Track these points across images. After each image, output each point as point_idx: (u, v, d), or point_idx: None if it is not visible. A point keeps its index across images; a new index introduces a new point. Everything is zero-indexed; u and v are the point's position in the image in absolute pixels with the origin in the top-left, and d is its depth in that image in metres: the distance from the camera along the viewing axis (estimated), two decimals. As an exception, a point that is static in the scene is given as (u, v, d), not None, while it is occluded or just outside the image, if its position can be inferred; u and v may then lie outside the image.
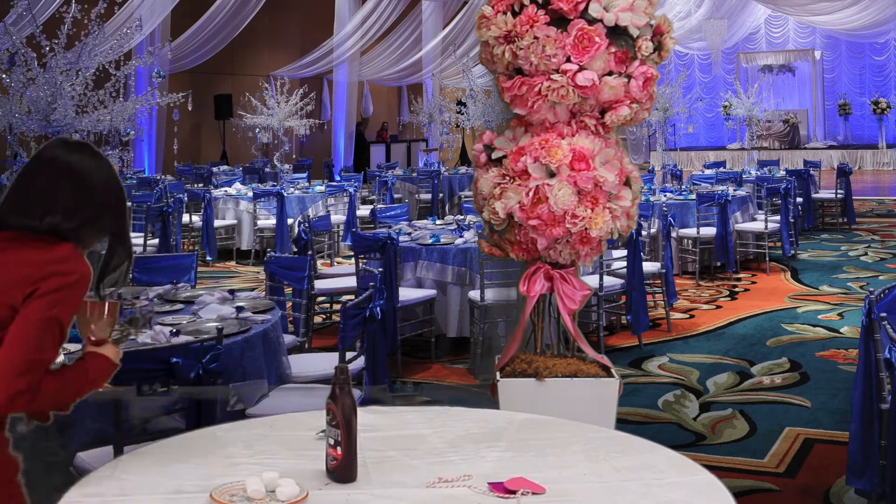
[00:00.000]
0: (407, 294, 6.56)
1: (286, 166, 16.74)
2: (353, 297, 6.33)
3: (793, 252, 10.49)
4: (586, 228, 3.51)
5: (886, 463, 3.63)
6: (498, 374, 3.72)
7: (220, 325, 3.95)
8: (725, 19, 22.72)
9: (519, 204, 3.51)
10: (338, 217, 11.58)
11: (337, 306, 7.68)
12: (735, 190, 10.66)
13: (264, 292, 5.90)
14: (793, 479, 4.46)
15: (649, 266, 7.37)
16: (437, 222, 8.19)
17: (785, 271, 9.85)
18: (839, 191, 13.18)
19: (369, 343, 4.55)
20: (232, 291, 4.82)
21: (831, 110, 25.41)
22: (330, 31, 21.08)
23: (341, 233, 11.58)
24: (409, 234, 7.29)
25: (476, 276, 6.45)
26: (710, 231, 9.47)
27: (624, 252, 6.88)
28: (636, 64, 3.54)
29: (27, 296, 2.13)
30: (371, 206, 11.30)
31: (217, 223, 11.44)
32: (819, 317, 7.74)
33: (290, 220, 11.01)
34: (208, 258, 10.95)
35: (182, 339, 3.85)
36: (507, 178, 3.59)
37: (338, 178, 17.34)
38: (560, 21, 3.48)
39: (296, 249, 7.90)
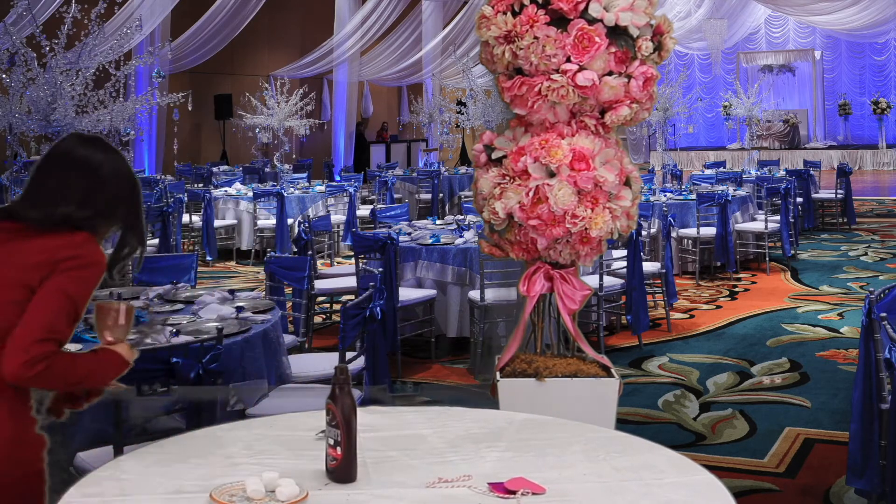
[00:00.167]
0: (407, 294, 6.56)
1: (286, 166, 16.74)
2: (353, 297, 6.33)
3: (793, 252, 10.49)
4: (586, 228, 3.51)
5: (886, 463, 3.63)
6: (498, 374, 3.71)
7: (220, 325, 3.95)
8: (725, 19, 22.72)
9: (519, 204, 3.51)
10: (338, 217, 11.57)
11: (337, 306, 7.68)
12: (735, 190, 10.66)
13: (264, 292, 5.90)
14: (793, 479, 4.46)
15: (649, 266, 7.37)
16: (437, 222, 8.19)
17: (785, 271, 9.85)
18: (839, 191, 13.18)
19: (369, 343, 4.55)
20: (232, 291, 4.81)
21: (831, 110, 25.41)
22: (330, 31, 21.08)
23: (341, 233, 11.58)
24: (409, 234, 7.29)
25: (476, 276, 6.44)
26: (710, 231, 9.47)
27: (624, 252, 6.88)
28: (636, 64, 3.54)
29: (45, 277, 2.25)
30: (371, 206, 11.30)
31: (217, 223, 11.44)
32: (819, 317, 7.74)
33: (290, 220, 11.00)
34: (208, 258, 10.95)
35: (182, 339, 3.85)
36: (507, 178, 3.59)
37: (338, 178, 17.34)
38: (560, 21, 3.48)
39: (296, 249, 7.90)
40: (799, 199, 12.03)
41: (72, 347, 3.29)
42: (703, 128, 26.03)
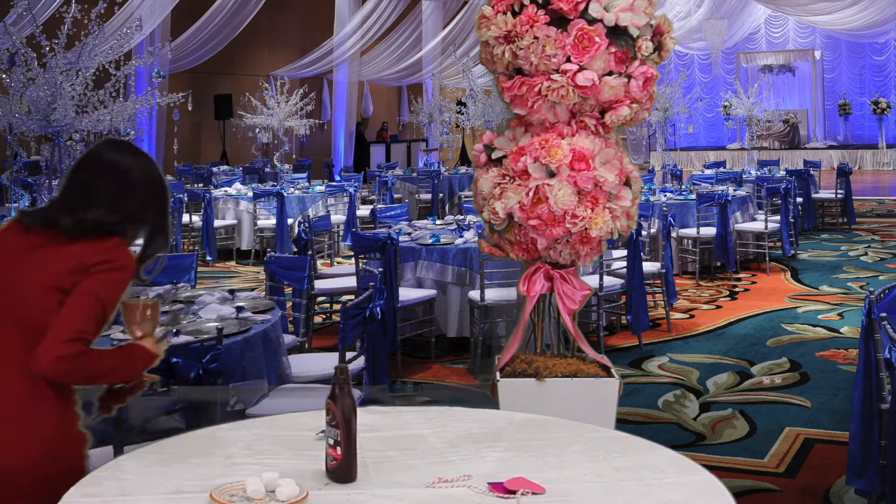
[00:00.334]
0: (407, 294, 6.56)
1: (286, 166, 16.73)
2: (353, 297, 6.33)
3: (793, 252, 10.49)
4: (586, 228, 3.51)
5: (886, 463, 3.63)
6: (498, 374, 3.71)
7: (220, 325, 3.96)
8: (725, 19, 22.72)
9: (519, 204, 3.51)
10: (338, 217, 11.57)
11: (337, 306, 7.68)
12: (735, 190, 10.66)
13: (264, 292, 5.90)
14: (793, 479, 4.46)
15: (649, 266, 7.37)
16: (437, 222, 8.19)
17: (785, 271, 9.85)
18: (839, 191, 13.18)
19: (369, 343, 4.55)
20: (232, 291, 4.82)
21: (831, 110, 25.41)
22: (330, 31, 21.08)
23: (341, 233, 11.58)
24: (409, 234, 7.29)
25: (476, 276, 6.45)
26: (710, 231, 9.47)
27: (624, 252, 6.88)
28: (636, 64, 3.54)
29: (77, 281, 2.37)
30: (371, 206, 11.30)
31: (217, 223, 11.44)
32: (819, 317, 7.74)
33: (290, 220, 11.00)
34: (208, 258, 10.95)
35: (182, 339, 3.85)
36: (507, 178, 3.59)
37: (338, 178, 17.34)
38: (560, 21, 3.48)
39: (296, 249, 7.90)
40: (799, 199, 12.03)
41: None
42: (703, 128, 26.02)
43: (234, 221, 11.65)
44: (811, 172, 13.47)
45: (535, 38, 3.47)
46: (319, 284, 6.97)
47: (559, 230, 3.51)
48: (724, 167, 16.66)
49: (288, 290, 6.04)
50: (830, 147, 24.23)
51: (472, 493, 2.15)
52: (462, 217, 8.42)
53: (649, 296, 7.60)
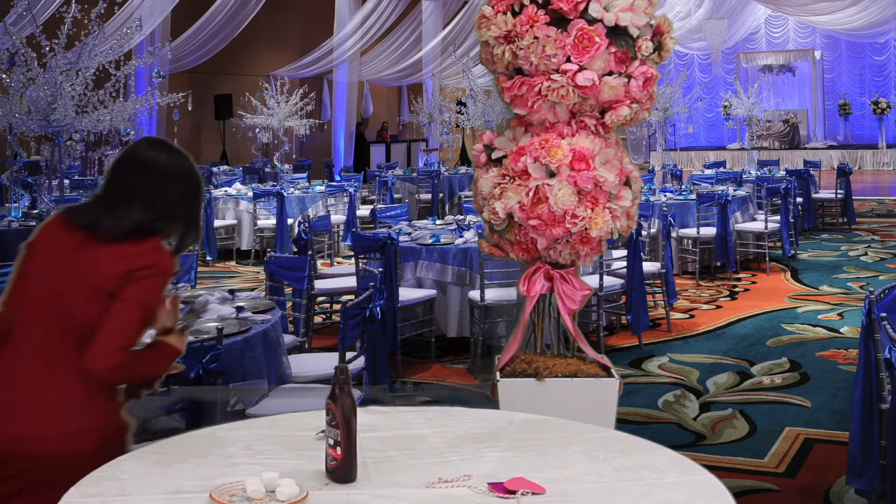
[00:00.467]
0: (407, 294, 6.56)
1: (286, 166, 16.72)
2: (353, 297, 6.32)
3: (793, 252, 10.49)
4: (586, 228, 3.51)
5: (886, 463, 3.63)
6: (498, 374, 3.71)
7: (220, 325, 3.95)
8: (725, 19, 22.72)
9: (519, 204, 3.51)
10: (338, 217, 11.57)
11: (337, 306, 7.68)
12: (735, 190, 10.66)
13: (264, 292, 5.90)
14: (793, 479, 4.46)
15: (649, 266, 7.37)
16: (437, 222, 8.19)
17: (785, 271, 9.85)
18: (839, 191, 13.18)
19: (369, 343, 4.55)
20: (232, 291, 4.82)
21: (831, 110, 25.41)
22: (330, 31, 21.08)
23: (341, 233, 11.58)
24: (409, 234, 7.29)
25: (476, 276, 6.44)
26: (710, 231, 9.47)
27: (624, 252, 6.88)
28: (636, 64, 3.54)
29: (123, 284, 2.47)
30: (371, 206, 11.30)
31: (217, 223, 11.44)
32: (819, 317, 7.74)
33: (290, 220, 11.00)
34: (208, 258, 10.95)
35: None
36: (507, 178, 3.59)
37: (338, 178, 17.34)
38: (560, 21, 3.48)
39: (296, 249, 7.90)
40: (799, 199, 12.03)
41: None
42: (703, 128, 26.02)
43: (234, 221, 11.65)
44: (811, 172, 13.47)
45: (535, 38, 3.47)
46: (319, 284, 6.97)
47: (559, 230, 3.51)
48: (724, 167, 16.66)
49: (288, 290, 6.04)
50: (830, 147, 24.23)
51: (472, 493, 2.15)
52: (462, 217, 8.41)
53: (649, 296, 7.60)
